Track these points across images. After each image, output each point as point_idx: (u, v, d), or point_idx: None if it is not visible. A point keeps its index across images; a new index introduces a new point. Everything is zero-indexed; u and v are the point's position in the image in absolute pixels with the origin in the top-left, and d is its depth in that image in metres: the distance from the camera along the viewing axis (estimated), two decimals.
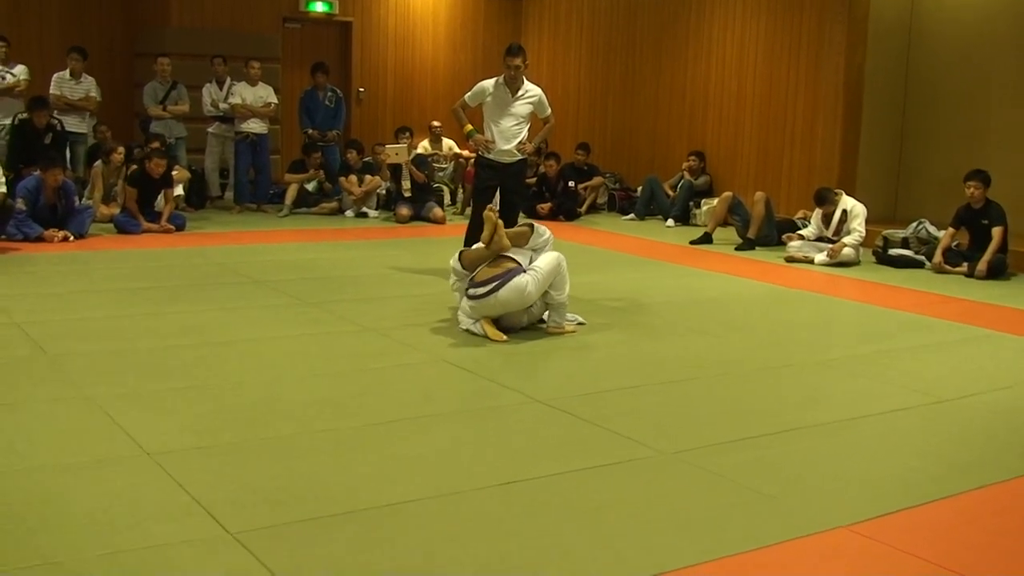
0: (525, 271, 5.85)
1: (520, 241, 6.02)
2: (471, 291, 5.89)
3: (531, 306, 5.96)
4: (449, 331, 5.99)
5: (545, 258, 5.94)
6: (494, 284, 5.77)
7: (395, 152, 11.32)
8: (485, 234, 5.96)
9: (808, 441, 4.28)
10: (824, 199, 9.47)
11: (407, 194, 11.40)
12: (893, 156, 11.36)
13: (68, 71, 10.76)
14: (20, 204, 8.85)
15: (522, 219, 7.24)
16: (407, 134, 12.16)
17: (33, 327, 5.75)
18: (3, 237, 8.60)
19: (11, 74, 10.48)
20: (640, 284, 7.92)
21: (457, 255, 6.09)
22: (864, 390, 5.10)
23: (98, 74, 11.88)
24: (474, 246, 6.24)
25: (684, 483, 3.74)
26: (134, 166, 9.98)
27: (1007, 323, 6.86)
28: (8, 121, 10.32)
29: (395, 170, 11.54)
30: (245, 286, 7.27)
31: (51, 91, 10.60)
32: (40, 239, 8.75)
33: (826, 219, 9.49)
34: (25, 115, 10.19)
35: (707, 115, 12.47)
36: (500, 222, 5.98)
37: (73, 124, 10.65)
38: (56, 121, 10.30)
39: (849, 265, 9.13)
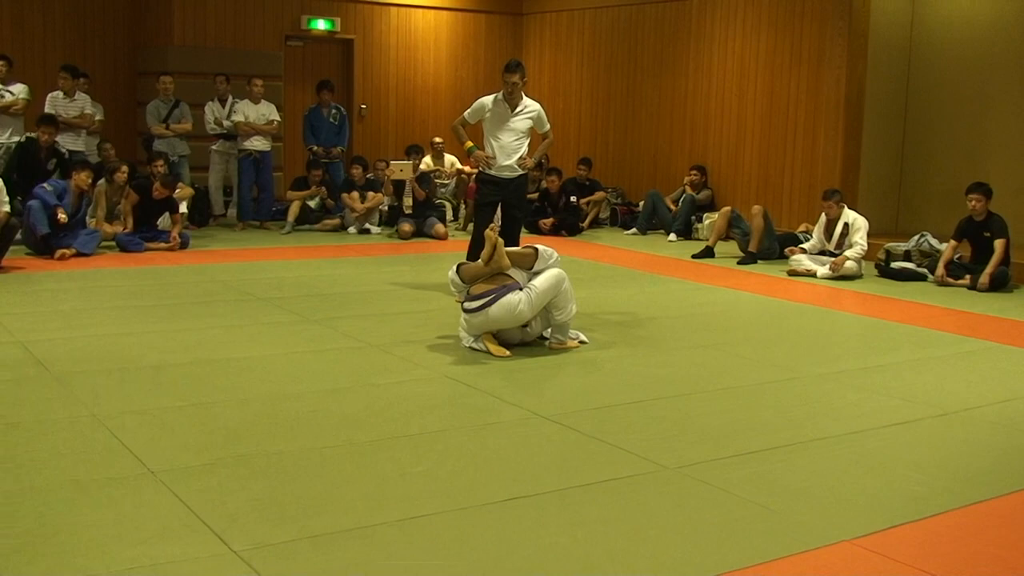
0: (520, 288, 5.83)
1: (524, 263, 5.95)
2: (466, 304, 5.90)
3: (527, 324, 5.94)
4: (452, 347, 6.00)
5: (544, 276, 5.88)
6: (486, 300, 5.76)
7: (400, 168, 11.35)
8: (485, 252, 5.92)
9: (812, 455, 4.28)
10: (830, 196, 9.46)
11: (408, 211, 11.42)
12: (894, 169, 11.38)
13: (60, 89, 10.77)
14: (62, 216, 9.03)
15: (525, 235, 7.24)
16: (417, 154, 12.19)
17: (37, 346, 5.76)
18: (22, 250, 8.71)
19: (9, 92, 10.49)
20: (643, 298, 7.92)
21: (455, 267, 6.08)
22: (867, 403, 5.10)
23: (101, 93, 11.95)
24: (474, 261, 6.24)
25: (688, 498, 3.74)
26: (143, 179, 10.09)
27: (1010, 335, 6.86)
28: (4, 140, 10.35)
29: (399, 186, 11.57)
30: (248, 303, 7.29)
31: (46, 110, 10.61)
32: (50, 255, 8.86)
33: (828, 232, 9.50)
34: (34, 135, 10.21)
35: (708, 129, 12.50)
36: (500, 241, 5.94)
37: (70, 142, 10.64)
38: (64, 152, 10.29)
39: (851, 278, 9.13)
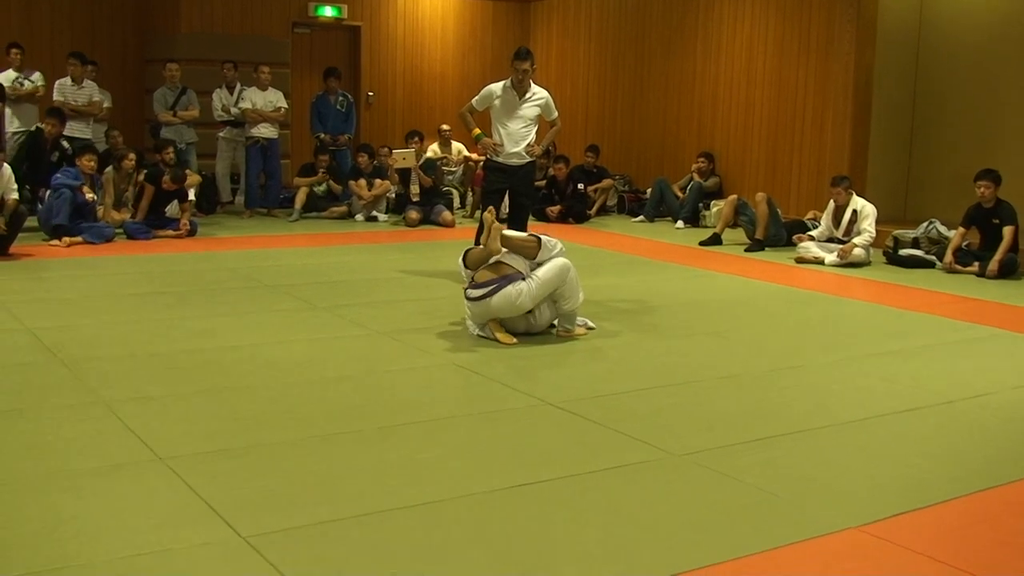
0: (523, 278, 5.81)
1: (527, 252, 5.91)
2: (469, 291, 5.90)
3: (531, 312, 5.92)
4: (460, 335, 6.00)
5: (547, 267, 5.85)
6: (489, 289, 5.76)
7: (402, 157, 11.35)
8: (484, 235, 5.97)
9: (819, 442, 4.28)
10: (838, 182, 9.44)
11: (415, 198, 11.43)
12: (903, 156, 11.34)
13: (68, 76, 10.80)
14: (89, 195, 9.24)
15: (532, 222, 7.24)
16: (416, 138, 12.19)
17: (46, 333, 5.78)
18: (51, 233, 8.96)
19: (29, 81, 10.55)
20: (650, 286, 7.92)
21: (463, 254, 6.09)
22: (875, 390, 5.10)
23: (109, 81, 11.96)
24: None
25: (695, 485, 3.74)
26: (136, 173, 10.10)
27: (1019, 322, 6.84)
28: (24, 128, 10.39)
29: (404, 174, 11.57)
30: (256, 290, 7.30)
31: (55, 98, 10.64)
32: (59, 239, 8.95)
33: (836, 219, 9.48)
34: (43, 125, 10.28)
35: (716, 116, 12.47)
36: (496, 224, 5.93)
37: (78, 130, 10.67)
38: (67, 146, 10.32)
39: (860, 265, 9.12)
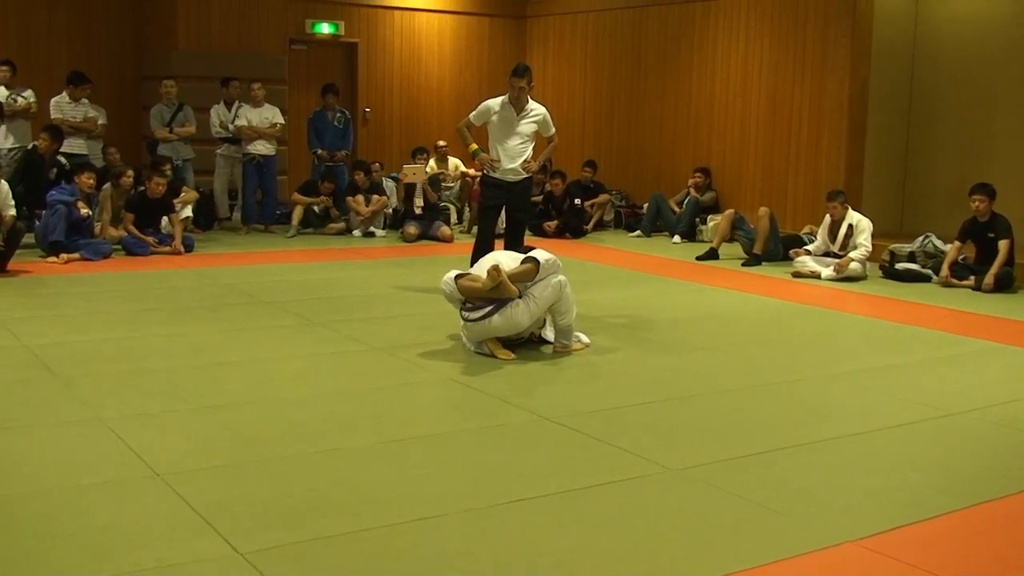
0: (521, 297, 5.81)
1: (526, 278, 5.87)
2: (465, 313, 5.88)
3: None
4: (457, 350, 6.01)
5: (544, 286, 5.84)
6: (488, 310, 5.75)
7: (412, 172, 11.40)
8: (485, 284, 5.74)
9: (816, 456, 4.28)
10: (834, 197, 9.47)
11: (419, 211, 11.46)
12: (898, 171, 11.37)
13: (66, 94, 10.83)
14: (84, 210, 9.27)
15: (529, 237, 7.21)
16: (424, 154, 12.24)
17: (44, 349, 5.78)
18: (51, 252, 8.95)
19: (22, 97, 10.57)
20: (647, 301, 7.93)
21: (452, 276, 5.99)
22: (872, 404, 5.11)
23: (106, 98, 11.96)
24: (473, 273, 6.15)
25: (692, 499, 3.75)
26: (134, 190, 10.09)
27: (1014, 336, 6.85)
28: (19, 144, 10.40)
29: (408, 188, 11.60)
30: (253, 306, 7.30)
31: (52, 115, 10.66)
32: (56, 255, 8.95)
33: (832, 234, 9.50)
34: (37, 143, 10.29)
35: (712, 131, 12.50)
36: (504, 274, 5.76)
37: (77, 146, 10.71)
38: (64, 162, 10.33)
39: (856, 280, 9.13)
